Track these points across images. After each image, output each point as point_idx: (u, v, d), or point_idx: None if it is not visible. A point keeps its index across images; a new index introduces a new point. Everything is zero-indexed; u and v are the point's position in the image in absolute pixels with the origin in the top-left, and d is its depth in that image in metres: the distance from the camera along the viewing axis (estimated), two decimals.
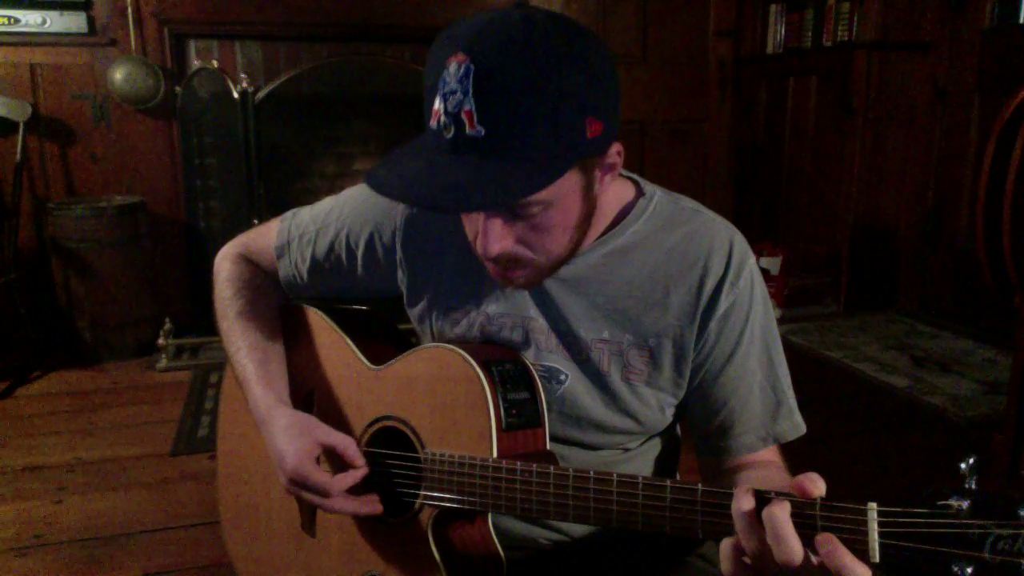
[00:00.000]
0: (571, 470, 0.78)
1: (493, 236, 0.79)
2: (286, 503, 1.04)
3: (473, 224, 0.83)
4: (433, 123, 0.74)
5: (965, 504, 0.60)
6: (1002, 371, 2.96)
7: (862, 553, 0.62)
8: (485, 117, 0.71)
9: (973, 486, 0.60)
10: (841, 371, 3.13)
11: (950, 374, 3.03)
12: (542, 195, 0.75)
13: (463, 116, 0.71)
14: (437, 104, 0.73)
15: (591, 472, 0.77)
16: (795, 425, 0.94)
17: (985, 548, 0.58)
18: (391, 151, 0.83)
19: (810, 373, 3.13)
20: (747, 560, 0.67)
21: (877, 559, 0.62)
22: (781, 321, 3.75)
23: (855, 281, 3.87)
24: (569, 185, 0.78)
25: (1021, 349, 1.94)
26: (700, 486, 0.71)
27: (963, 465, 0.61)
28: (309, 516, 1.04)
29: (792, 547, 0.63)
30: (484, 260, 0.85)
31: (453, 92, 0.71)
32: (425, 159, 0.76)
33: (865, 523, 0.62)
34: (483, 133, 0.71)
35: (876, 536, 0.62)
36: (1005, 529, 0.58)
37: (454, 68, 0.71)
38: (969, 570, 0.59)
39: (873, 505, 0.63)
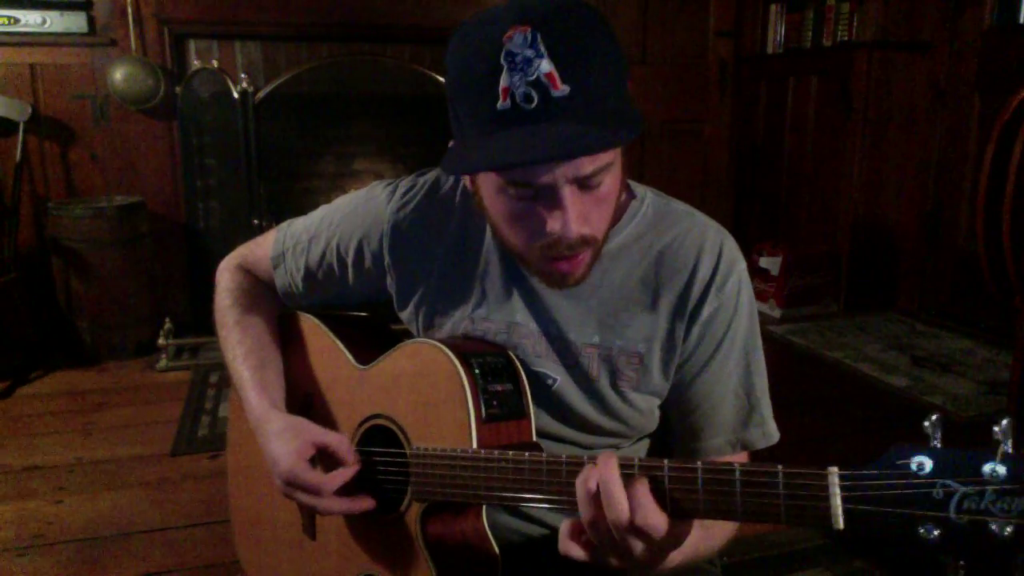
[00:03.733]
0: (544, 455, 0.79)
1: (576, 215, 0.77)
2: (289, 508, 1.04)
3: (529, 219, 0.79)
4: (504, 102, 0.72)
5: (928, 463, 0.58)
6: (1002, 371, 2.96)
7: (825, 519, 0.61)
8: (567, 74, 0.72)
9: (938, 444, 0.59)
10: (841, 371, 3.13)
11: (950, 374, 3.03)
12: (611, 155, 0.77)
13: (544, 79, 0.71)
14: (505, 81, 0.72)
15: (564, 456, 0.77)
16: (766, 434, 0.93)
17: (951, 508, 0.57)
18: (453, 145, 0.81)
19: (810, 373, 3.13)
20: (586, 536, 0.71)
21: (841, 525, 0.61)
22: (781, 321, 3.75)
23: (855, 281, 3.87)
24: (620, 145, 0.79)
25: (1021, 349, 1.94)
26: (666, 462, 0.71)
27: (927, 423, 0.60)
28: (309, 519, 1.04)
29: (618, 500, 0.67)
30: (540, 263, 0.83)
31: (528, 60, 0.71)
32: (511, 133, 0.73)
33: (826, 488, 0.61)
34: (568, 91, 0.72)
35: (839, 501, 0.61)
36: (970, 487, 0.56)
37: (520, 38, 0.71)
38: (936, 533, 0.57)
39: (834, 469, 0.62)
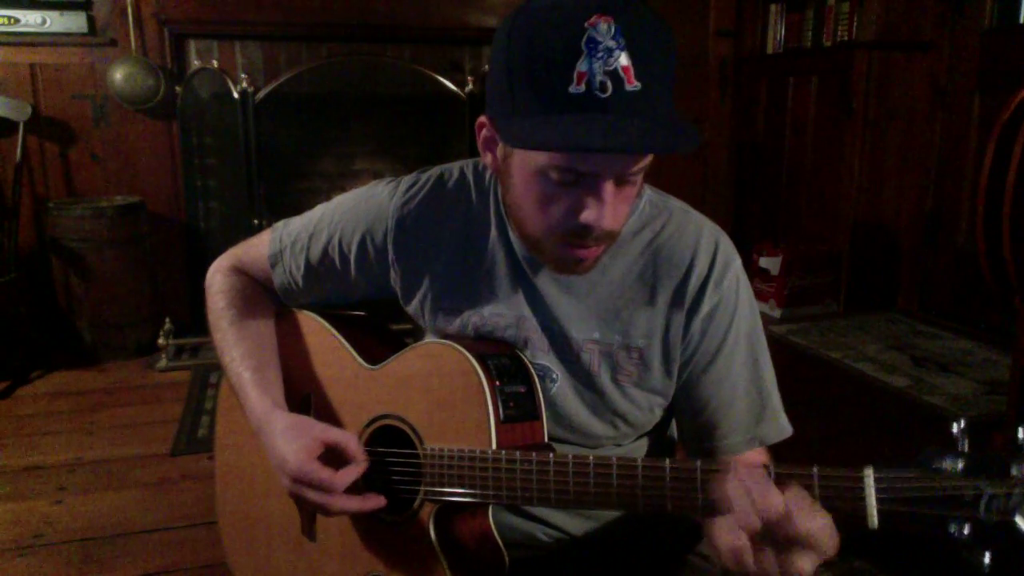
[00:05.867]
0: (570, 456, 0.79)
1: (612, 208, 0.79)
2: (285, 509, 1.04)
3: (561, 204, 0.80)
4: (578, 86, 0.72)
5: (959, 465, 0.61)
6: (1002, 371, 2.96)
7: (860, 518, 0.63)
8: (640, 72, 0.73)
9: (966, 448, 0.62)
10: (841, 371, 3.13)
11: (950, 374, 3.03)
12: (650, 156, 0.78)
13: (621, 72, 0.72)
14: (584, 66, 0.72)
15: (590, 456, 0.78)
16: (780, 428, 0.94)
17: (980, 507, 0.60)
18: (506, 123, 0.78)
19: (810, 373, 3.13)
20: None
21: (876, 524, 0.63)
22: (781, 321, 3.75)
23: (855, 281, 3.87)
24: None
25: (1021, 349, 1.94)
26: (699, 463, 0.72)
27: (955, 428, 0.63)
28: (309, 520, 1.03)
29: (773, 497, 0.64)
30: (557, 248, 0.83)
31: (610, 50, 0.72)
32: (584, 118, 0.73)
33: (862, 488, 0.64)
34: (640, 88, 0.72)
35: (874, 501, 0.63)
36: (998, 488, 0.59)
37: (604, 27, 0.72)
38: (966, 530, 0.60)
39: (869, 471, 0.64)
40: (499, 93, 0.79)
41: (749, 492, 0.65)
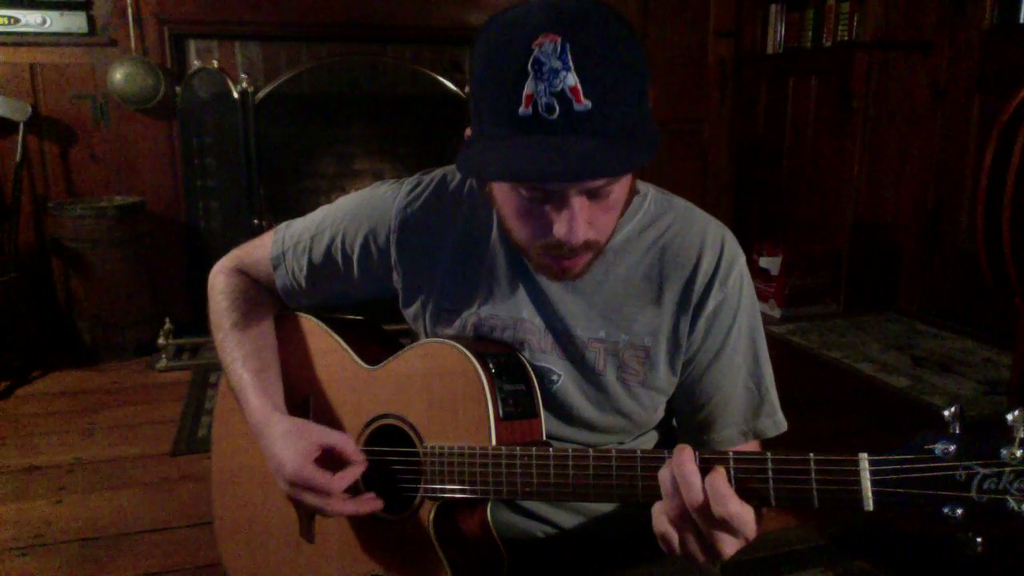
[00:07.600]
0: (570, 449, 0.80)
1: (582, 221, 0.78)
2: (283, 511, 1.04)
3: (537, 218, 0.80)
4: (526, 108, 0.72)
5: (951, 448, 0.63)
6: (1002, 371, 2.97)
7: (855, 502, 0.65)
8: (590, 90, 0.71)
9: (957, 431, 0.64)
10: (841, 371, 3.13)
11: (950, 374, 3.04)
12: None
13: (569, 92, 0.71)
14: (530, 88, 0.72)
15: (590, 450, 0.79)
16: (776, 423, 0.95)
17: (972, 488, 0.62)
18: (470, 139, 0.80)
19: (810, 373, 3.13)
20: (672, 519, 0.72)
21: (871, 507, 0.65)
22: (781, 321, 3.75)
23: (855, 281, 3.87)
24: None
25: (1021, 349, 1.94)
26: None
27: (947, 412, 0.65)
28: (307, 522, 1.03)
29: (693, 485, 0.68)
30: (540, 258, 0.84)
31: (555, 71, 0.71)
32: (530, 141, 0.73)
33: (857, 473, 0.66)
34: (590, 107, 0.72)
35: (869, 485, 0.65)
36: (989, 468, 0.62)
37: (550, 47, 0.71)
38: (959, 512, 0.62)
39: (864, 455, 0.66)
40: (472, 109, 0.80)
41: (674, 479, 0.69)
